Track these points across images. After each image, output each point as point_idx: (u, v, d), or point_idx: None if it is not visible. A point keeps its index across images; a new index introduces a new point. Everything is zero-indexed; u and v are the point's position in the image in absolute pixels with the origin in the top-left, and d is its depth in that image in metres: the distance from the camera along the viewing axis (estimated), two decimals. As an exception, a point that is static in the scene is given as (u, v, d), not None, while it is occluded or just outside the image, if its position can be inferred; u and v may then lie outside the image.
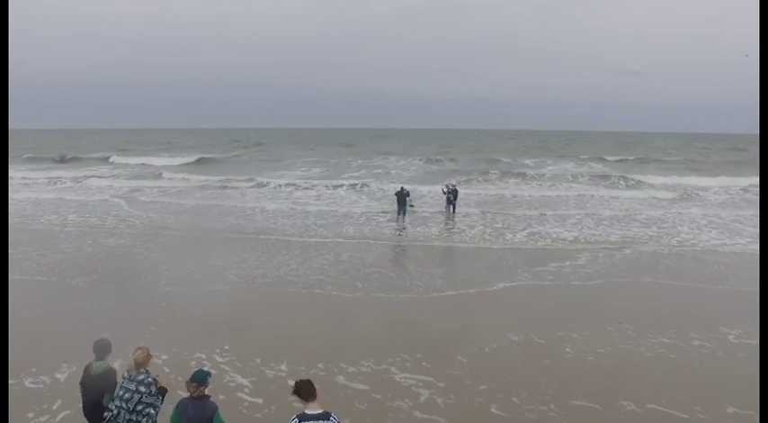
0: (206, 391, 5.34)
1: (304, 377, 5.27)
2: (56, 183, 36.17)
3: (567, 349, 9.57)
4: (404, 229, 20.73)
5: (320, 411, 4.96)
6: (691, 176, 39.22)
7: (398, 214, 22.30)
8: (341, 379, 8.43)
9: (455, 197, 23.87)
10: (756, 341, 9.79)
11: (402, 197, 22.38)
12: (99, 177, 38.51)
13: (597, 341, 9.88)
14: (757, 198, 29.08)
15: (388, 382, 8.32)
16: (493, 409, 7.53)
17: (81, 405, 6.15)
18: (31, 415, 7.34)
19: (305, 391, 5.02)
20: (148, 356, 5.73)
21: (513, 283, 13.51)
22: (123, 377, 5.67)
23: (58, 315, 11.07)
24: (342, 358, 9.06)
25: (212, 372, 5.60)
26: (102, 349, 6.16)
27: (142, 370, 5.65)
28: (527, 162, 49.91)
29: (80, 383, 6.15)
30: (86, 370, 6.13)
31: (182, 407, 5.24)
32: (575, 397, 7.85)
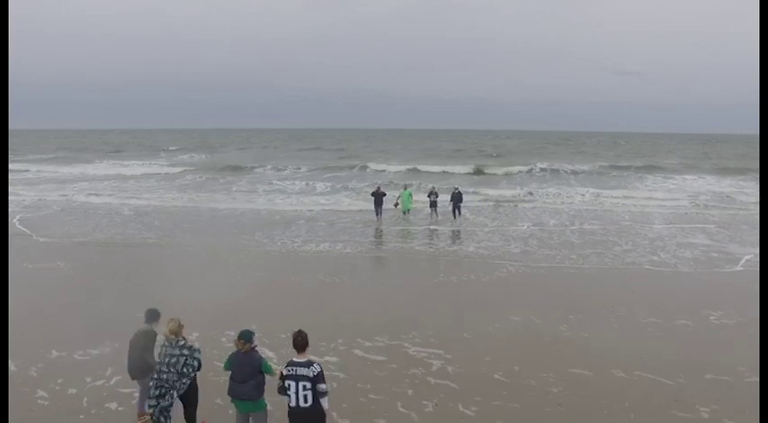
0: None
1: (302, 333, 6.03)
2: None
3: (564, 328, 10.50)
4: (382, 229, 21.23)
5: (305, 360, 5.84)
6: (682, 178, 40.09)
7: (376, 214, 22.47)
8: (359, 352, 9.35)
9: (460, 200, 23.03)
10: (734, 321, 10.77)
11: (379, 197, 22.45)
12: None
13: (591, 322, 10.82)
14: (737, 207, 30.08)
15: (403, 355, 9.25)
16: (497, 376, 8.45)
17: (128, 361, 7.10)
18: (89, 379, 8.26)
19: (295, 342, 5.93)
20: (180, 326, 6.65)
21: (506, 274, 14.47)
22: (164, 345, 6.57)
23: (93, 298, 12.00)
24: (358, 335, 9.97)
25: (255, 330, 6.46)
26: (150, 316, 7.16)
27: (180, 337, 6.56)
28: (515, 165, 49.32)
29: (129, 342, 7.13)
30: (136, 333, 7.11)
31: (234, 357, 6.20)
32: (571, 366, 8.77)
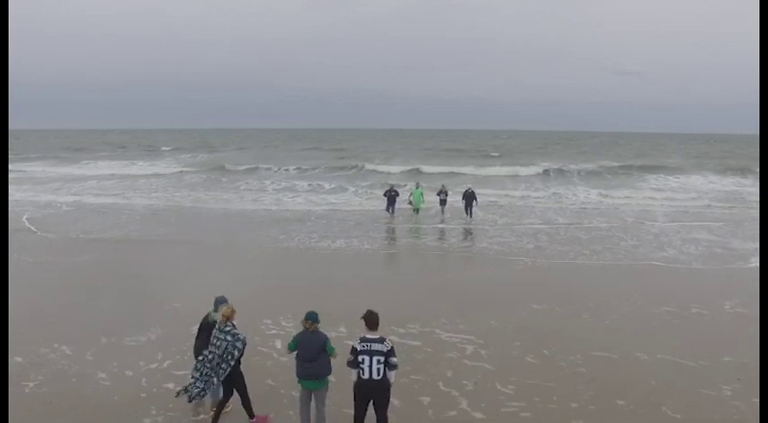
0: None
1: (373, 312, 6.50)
2: None
3: (585, 316, 11.00)
4: (394, 227, 21.76)
5: (378, 336, 6.31)
6: (686, 176, 40.64)
7: (388, 212, 23.23)
8: (395, 338, 9.67)
9: (474, 199, 22.92)
10: (748, 310, 11.25)
11: (392, 196, 23.38)
12: None
13: (610, 311, 11.33)
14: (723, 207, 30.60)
15: (436, 340, 9.75)
16: (528, 358, 8.95)
17: (194, 343, 7.53)
18: (142, 363, 8.71)
19: (368, 320, 6.40)
20: (234, 312, 7.09)
21: (522, 268, 14.99)
22: (215, 328, 7.01)
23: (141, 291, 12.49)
24: (391, 323, 10.39)
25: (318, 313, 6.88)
26: (219, 304, 7.58)
27: (229, 323, 7.00)
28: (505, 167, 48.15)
29: (198, 327, 7.55)
30: (205, 317, 7.54)
31: (299, 337, 6.67)
32: (595, 350, 9.26)
